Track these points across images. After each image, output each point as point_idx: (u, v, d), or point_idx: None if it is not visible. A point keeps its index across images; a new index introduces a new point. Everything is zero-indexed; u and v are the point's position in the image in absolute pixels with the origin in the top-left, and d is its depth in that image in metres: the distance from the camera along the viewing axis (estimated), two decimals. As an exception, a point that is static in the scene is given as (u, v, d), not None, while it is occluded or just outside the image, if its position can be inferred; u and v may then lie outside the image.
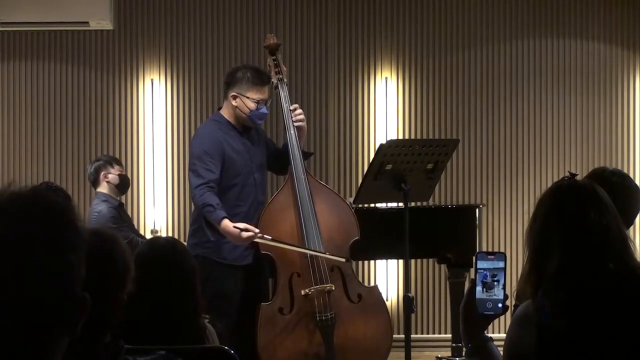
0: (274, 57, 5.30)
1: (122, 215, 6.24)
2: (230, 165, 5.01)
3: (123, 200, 6.61)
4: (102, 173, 6.20)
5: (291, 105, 5.19)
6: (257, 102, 5.01)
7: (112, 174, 6.21)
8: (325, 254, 4.98)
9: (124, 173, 6.36)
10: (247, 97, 5.01)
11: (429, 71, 7.33)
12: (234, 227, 4.80)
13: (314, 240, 4.99)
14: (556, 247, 2.34)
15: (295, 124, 5.13)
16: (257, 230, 4.83)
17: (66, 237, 1.37)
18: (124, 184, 6.32)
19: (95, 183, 6.26)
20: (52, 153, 7.28)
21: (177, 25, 7.27)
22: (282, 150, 5.23)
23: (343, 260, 5.01)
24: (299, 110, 5.19)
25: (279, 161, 5.26)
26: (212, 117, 5.32)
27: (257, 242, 4.88)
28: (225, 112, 5.10)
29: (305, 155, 5.25)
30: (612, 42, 7.37)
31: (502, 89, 7.35)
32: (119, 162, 6.40)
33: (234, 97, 5.03)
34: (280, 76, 5.23)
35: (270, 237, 4.87)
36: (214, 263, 4.95)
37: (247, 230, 4.81)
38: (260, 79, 5.06)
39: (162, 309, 2.99)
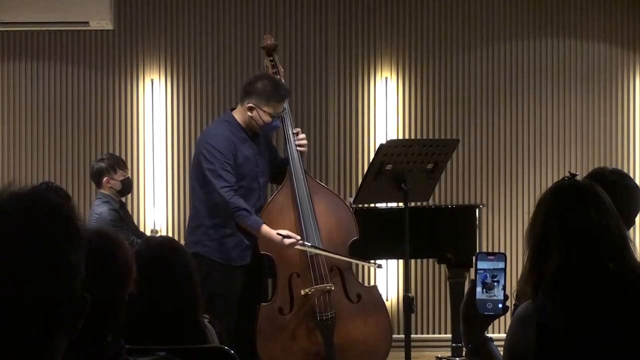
0: (271, 58, 5.31)
1: (122, 217, 6.21)
2: (236, 168, 5.01)
3: (124, 200, 6.58)
4: (105, 179, 6.16)
5: (294, 128, 5.21)
6: (272, 116, 5.02)
7: (115, 180, 6.16)
8: (358, 260, 5.02)
9: (127, 176, 6.29)
10: (263, 111, 5.00)
11: (429, 71, 7.33)
12: (277, 233, 4.84)
13: (314, 241, 4.99)
14: (556, 247, 2.34)
15: (298, 149, 5.14)
16: (298, 237, 4.87)
17: (66, 237, 1.37)
18: (125, 189, 6.28)
19: (97, 184, 6.23)
20: (52, 153, 7.28)
21: (177, 25, 7.27)
22: (282, 160, 5.24)
23: (375, 265, 5.07)
24: (302, 135, 5.20)
25: (275, 170, 5.25)
26: (223, 117, 5.31)
27: (299, 249, 4.91)
28: (238, 116, 5.08)
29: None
30: (612, 42, 7.37)
31: (502, 89, 7.35)
32: (123, 166, 6.31)
33: (250, 109, 5.01)
34: (278, 77, 5.23)
35: (310, 244, 4.91)
36: (213, 262, 4.95)
37: (289, 237, 4.84)
38: (280, 94, 5.04)
39: (161, 308, 2.99)
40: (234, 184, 4.92)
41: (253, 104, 5.00)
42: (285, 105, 5.17)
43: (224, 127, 5.10)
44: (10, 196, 1.38)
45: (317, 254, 5.00)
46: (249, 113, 5.02)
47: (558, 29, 7.35)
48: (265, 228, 4.87)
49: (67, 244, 1.36)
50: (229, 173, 4.93)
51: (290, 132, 5.18)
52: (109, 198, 6.15)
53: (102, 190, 6.18)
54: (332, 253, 4.99)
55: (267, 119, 5.00)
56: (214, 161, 4.93)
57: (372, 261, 5.12)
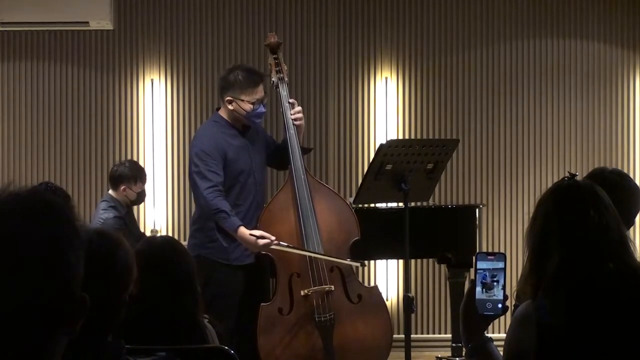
0: (275, 56, 5.29)
1: (128, 224, 6.19)
2: (230, 165, 5.01)
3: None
4: (123, 186, 6.15)
5: (290, 99, 5.18)
6: (253, 103, 5.00)
7: (132, 191, 6.16)
8: (339, 259, 4.99)
9: (143, 188, 6.30)
10: (242, 100, 4.99)
11: (429, 71, 7.33)
12: (251, 234, 4.82)
13: (313, 241, 4.98)
14: (556, 247, 2.34)
15: (296, 123, 5.13)
16: (273, 238, 4.84)
17: (65, 237, 1.37)
18: (138, 201, 6.30)
19: (113, 187, 6.20)
20: (52, 153, 7.28)
21: (177, 25, 7.27)
22: (282, 146, 5.22)
23: (358, 264, 5.04)
24: (298, 108, 5.17)
25: (278, 158, 5.25)
26: (211, 118, 5.32)
27: (273, 249, 4.88)
28: (224, 114, 5.09)
29: (305, 150, 5.25)
30: (612, 42, 7.37)
31: (502, 89, 7.35)
32: (144, 178, 6.31)
33: (229, 102, 5.01)
34: (281, 75, 5.22)
35: (286, 244, 4.88)
36: (215, 263, 4.95)
37: (263, 237, 4.82)
38: (253, 79, 5.02)
39: (162, 308, 2.99)
40: (219, 184, 4.91)
41: (230, 96, 5.00)
42: (283, 89, 5.15)
43: (212, 128, 5.10)
44: (9, 196, 1.38)
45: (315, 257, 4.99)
46: (229, 107, 5.02)
47: (558, 29, 7.35)
48: (241, 230, 4.84)
49: (66, 244, 1.36)
50: (215, 174, 4.92)
51: (286, 105, 5.14)
52: (117, 203, 6.13)
53: (113, 194, 6.16)
54: (313, 253, 4.96)
55: (248, 107, 4.99)
56: (199, 163, 4.94)
57: (353, 261, 5.06)
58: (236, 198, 5.03)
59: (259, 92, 5.02)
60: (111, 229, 2.86)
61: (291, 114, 5.12)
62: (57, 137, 7.28)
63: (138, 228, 6.57)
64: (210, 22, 7.29)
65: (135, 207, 7.03)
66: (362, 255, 5.30)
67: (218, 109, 5.19)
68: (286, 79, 5.26)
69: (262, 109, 5.05)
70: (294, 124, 5.14)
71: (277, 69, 5.24)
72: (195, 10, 7.27)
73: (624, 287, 2.30)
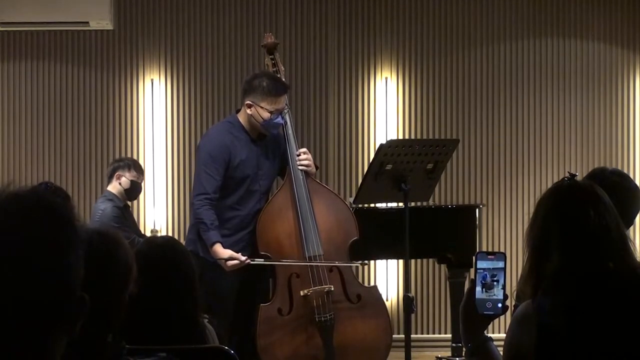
0: (272, 57, 5.31)
1: (126, 216, 6.21)
2: (234, 169, 5.00)
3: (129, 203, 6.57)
4: (117, 173, 6.17)
5: (298, 149, 5.15)
6: (271, 112, 4.98)
7: (125, 178, 6.17)
8: (325, 262, 4.97)
9: (138, 181, 6.29)
10: (261, 107, 4.98)
11: (429, 71, 7.33)
12: (220, 257, 4.85)
13: (312, 242, 4.98)
14: (556, 247, 2.34)
15: (300, 168, 5.10)
16: (242, 258, 4.85)
17: (65, 237, 1.37)
18: (133, 191, 6.26)
19: (109, 180, 6.24)
20: (52, 153, 7.28)
21: (177, 25, 7.27)
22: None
23: (358, 264, 5.04)
24: (305, 155, 5.16)
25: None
26: (227, 117, 5.33)
27: (252, 264, 4.89)
28: (242, 117, 5.09)
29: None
30: (612, 42, 7.37)
31: (502, 89, 7.35)
32: (139, 170, 6.31)
33: (249, 106, 5.01)
34: (278, 75, 5.23)
35: (262, 260, 4.90)
36: (206, 261, 4.94)
37: (232, 258, 4.84)
38: (276, 89, 5.00)
39: (162, 309, 2.99)
40: (211, 192, 4.92)
41: (250, 101, 5.00)
42: (289, 120, 5.14)
43: (223, 128, 5.10)
44: (9, 196, 1.38)
45: (315, 258, 4.99)
46: (248, 111, 5.01)
47: (558, 29, 7.35)
48: (215, 246, 4.88)
49: (66, 245, 1.36)
50: (212, 179, 4.93)
51: (292, 144, 5.14)
52: (114, 197, 6.14)
53: (109, 188, 6.18)
54: (294, 261, 4.96)
55: (266, 115, 4.98)
56: (200, 163, 4.98)
57: (353, 262, 5.07)
58: (237, 202, 5.03)
59: (279, 103, 5.00)
60: (111, 229, 2.86)
61: (297, 161, 5.09)
62: (57, 137, 7.28)
63: (135, 222, 6.58)
64: (210, 22, 7.28)
65: (135, 207, 7.04)
66: (362, 255, 5.30)
67: (238, 110, 5.18)
68: (283, 79, 5.26)
69: (279, 120, 5.03)
70: (292, 124, 5.16)
71: (275, 69, 5.25)
72: (195, 10, 7.27)
73: (624, 287, 2.30)
